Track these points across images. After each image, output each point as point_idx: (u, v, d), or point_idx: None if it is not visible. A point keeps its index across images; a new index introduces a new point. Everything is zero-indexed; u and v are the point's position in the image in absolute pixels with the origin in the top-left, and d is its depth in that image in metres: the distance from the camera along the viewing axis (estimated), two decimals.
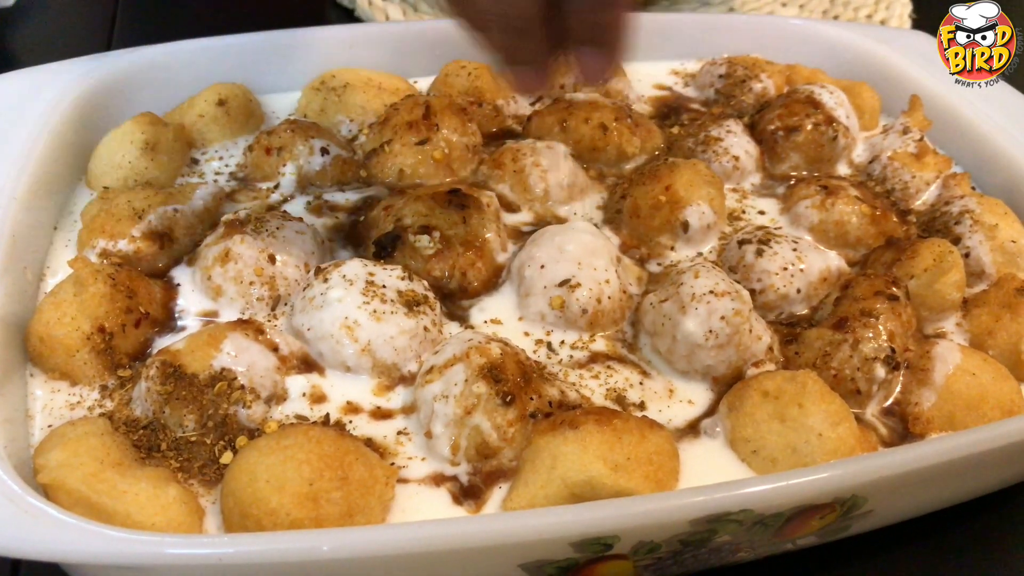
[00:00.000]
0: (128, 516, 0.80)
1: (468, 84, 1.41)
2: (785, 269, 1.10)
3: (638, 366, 1.04)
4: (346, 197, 1.24)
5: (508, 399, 0.90)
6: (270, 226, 1.08)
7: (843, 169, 1.39)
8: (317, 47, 1.45)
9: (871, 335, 1.01)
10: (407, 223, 1.11)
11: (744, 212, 1.28)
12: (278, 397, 0.95)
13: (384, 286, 1.01)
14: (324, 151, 1.26)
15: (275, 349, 0.97)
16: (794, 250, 1.12)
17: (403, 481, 0.89)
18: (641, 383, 1.02)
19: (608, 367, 1.03)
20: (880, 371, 1.00)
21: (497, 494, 0.89)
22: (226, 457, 0.88)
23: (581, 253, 1.07)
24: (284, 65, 1.44)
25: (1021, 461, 0.99)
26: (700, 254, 1.19)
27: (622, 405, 0.98)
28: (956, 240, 1.20)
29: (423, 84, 1.48)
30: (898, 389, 1.02)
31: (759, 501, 0.81)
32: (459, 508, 0.88)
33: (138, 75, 1.34)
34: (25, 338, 0.98)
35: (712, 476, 0.92)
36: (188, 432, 0.90)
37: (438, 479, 0.89)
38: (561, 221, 1.21)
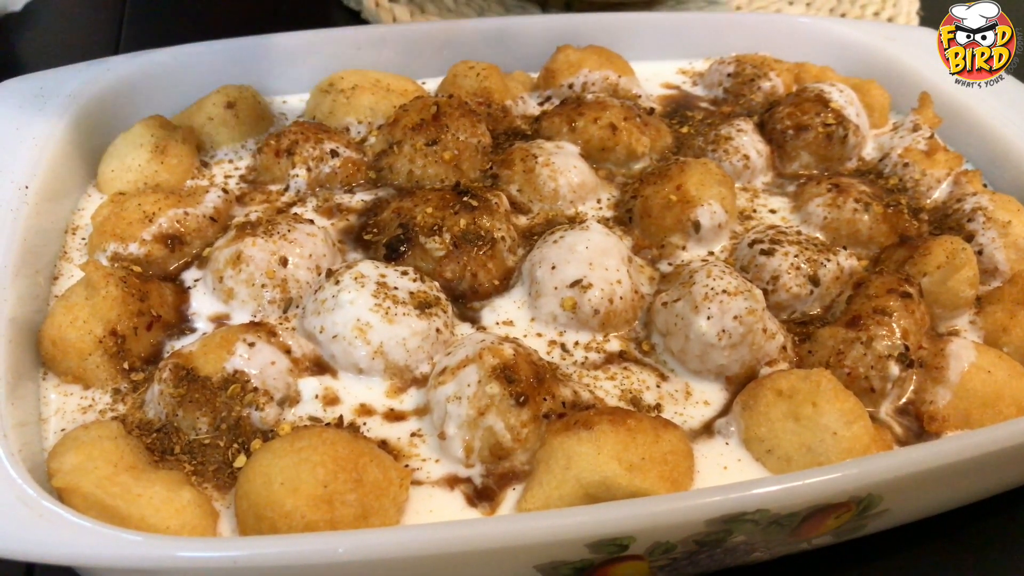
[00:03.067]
0: (142, 519, 0.80)
1: (477, 85, 1.40)
2: (797, 268, 1.09)
3: (656, 369, 1.03)
4: (356, 199, 1.24)
5: (521, 400, 0.90)
6: (281, 228, 1.08)
7: (853, 167, 1.38)
8: (325, 49, 1.45)
9: (884, 333, 1.00)
10: (417, 225, 1.10)
11: (755, 211, 1.28)
12: (291, 399, 0.95)
13: (396, 288, 1.01)
14: (333, 153, 1.26)
15: (288, 351, 0.97)
16: (806, 249, 1.12)
17: (417, 483, 0.89)
18: (659, 386, 1.01)
19: (625, 368, 1.03)
20: (894, 369, 0.99)
21: (511, 496, 0.88)
22: (240, 460, 0.88)
23: (592, 253, 1.07)
24: (292, 67, 1.44)
25: None
26: (712, 253, 1.19)
27: (637, 407, 0.98)
28: (969, 237, 1.19)
29: (431, 85, 1.48)
30: (912, 388, 1.01)
31: (775, 501, 0.80)
32: (473, 510, 0.87)
33: (146, 78, 1.35)
34: (38, 342, 0.98)
35: (727, 476, 0.92)
36: (201, 435, 0.90)
37: (452, 481, 0.89)
38: (571, 221, 1.20)
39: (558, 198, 1.24)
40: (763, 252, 1.11)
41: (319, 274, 1.07)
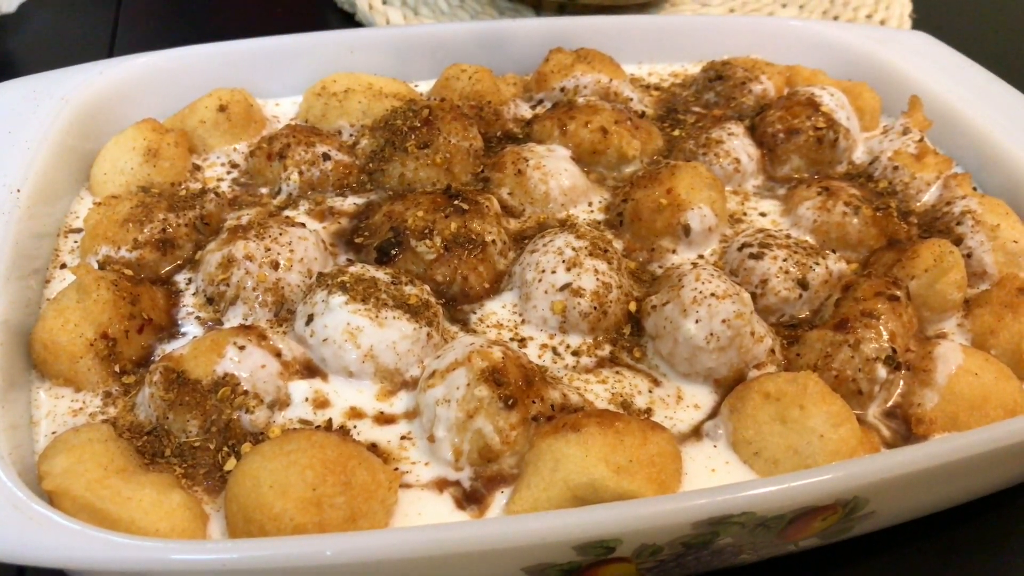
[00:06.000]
0: (132, 522, 0.80)
1: (469, 88, 1.41)
2: (786, 272, 1.10)
3: (648, 374, 1.04)
4: (348, 202, 1.24)
5: (510, 402, 0.90)
6: (272, 232, 1.09)
7: (844, 170, 1.39)
8: (318, 52, 1.46)
9: (872, 335, 1.01)
10: (408, 228, 1.11)
11: (745, 214, 1.29)
12: (281, 402, 0.96)
13: (386, 291, 1.02)
14: (326, 156, 1.26)
15: (278, 355, 0.97)
16: (795, 253, 1.12)
17: (406, 486, 0.89)
18: (651, 391, 1.02)
19: (616, 372, 1.03)
20: (881, 371, 1.00)
21: (499, 499, 0.89)
22: (230, 463, 0.88)
23: (582, 257, 1.07)
24: (285, 70, 1.44)
25: None
26: (701, 257, 1.19)
27: (628, 410, 0.98)
28: (958, 240, 1.20)
29: (424, 88, 1.49)
30: (900, 390, 1.02)
31: (761, 503, 0.81)
32: (462, 513, 0.88)
33: (139, 81, 1.35)
34: (29, 345, 0.98)
35: (714, 478, 0.93)
36: (192, 437, 0.90)
37: (441, 484, 0.90)
38: (562, 225, 1.21)
39: (549, 201, 1.25)
40: (752, 256, 1.12)
41: (310, 277, 1.08)
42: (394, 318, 0.99)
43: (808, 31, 1.64)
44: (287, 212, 1.21)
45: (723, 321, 0.99)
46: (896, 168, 1.34)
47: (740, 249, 1.15)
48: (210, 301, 1.06)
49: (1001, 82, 1.46)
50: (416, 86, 1.49)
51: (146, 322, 1.02)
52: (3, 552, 0.74)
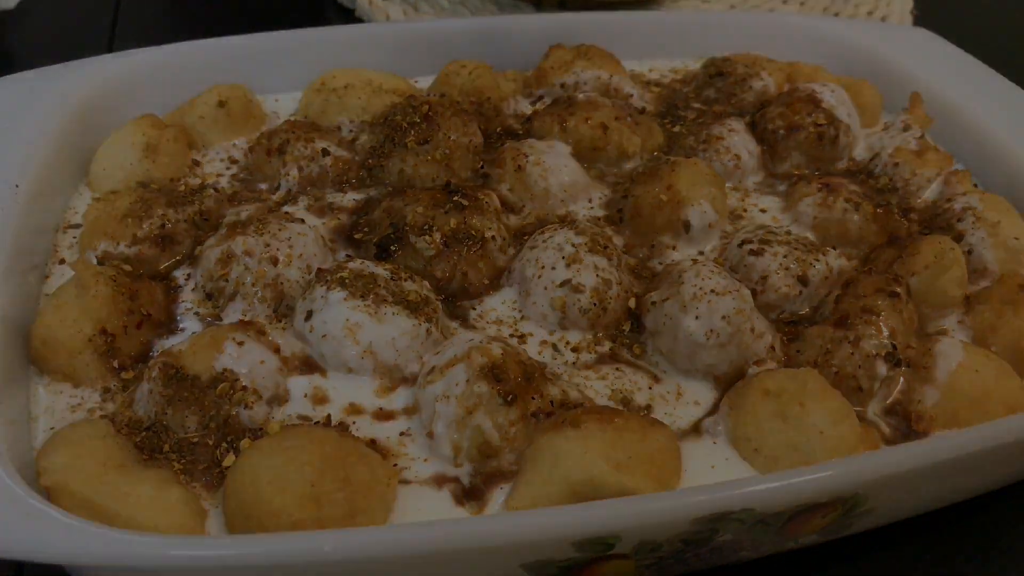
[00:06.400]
0: (131, 518, 0.80)
1: (468, 84, 1.41)
2: (786, 269, 1.10)
3: (649, 371, 1.03)
4: (347, 198, 1.24)
5: (509, 399, 0.90)
6: (272, 227, 1.08)
7: (844, 167, 1.39)
8: (318, 47, 1.46)
9: (872, 332, 1.01)
10: (408, 224, 1.11)
11: (746, 211, 1.28)
12: (280, 398, 0.95)
13: (386, 287, 1.02)
14: (325, 152, 1.26)
15: (277, 350, 0.97)
16: (795, 249, 1.12)
17: (405, 482, 0.89)
18: (651, 387, 1.01)
19: (617, 369, 1.03)
20: (882, 368, 0.99)
21: (499, 496, 0.88)
22: (228, 459, 0.88)
23: (581, 253, 1.07)
24: (285, 66, 1.44)
25: None
26: (702, 253, 1.19)
27: (628, 407, 0.98)
28: (958, 237, 1.19)
29: (424, 84, 1.49)
30: (900, 387, 1.01)
31: (761, 500, 0.81)
32: (461, 509, 0.87)
33: (139, 77, 1.35)
34: (27, 340, 0.98)
35: (714, 475, 0.92)
36: (190, 433, 0.90)
37: (440, 480, 0.89)
38: (562, 221, 1.20)
39: (549, 197, 1.24)
40: (752, 252, 1.12)
41: (310, 273, 1.07)
42: (393, 314, 0.99)
43: (809, 27, 1.64)
44: (286, 208, 1.21)
45: (723, 317, 0.99)
46: (897, 165, 1.34)
47: (740, 245, 1.14)
48: (209, 297, 1.06)
49: (1002, 79, 1.45)
50: (416, 82, 1.48)
51: (145, 318, 1.01)
52: (2, 548, 0.74)
